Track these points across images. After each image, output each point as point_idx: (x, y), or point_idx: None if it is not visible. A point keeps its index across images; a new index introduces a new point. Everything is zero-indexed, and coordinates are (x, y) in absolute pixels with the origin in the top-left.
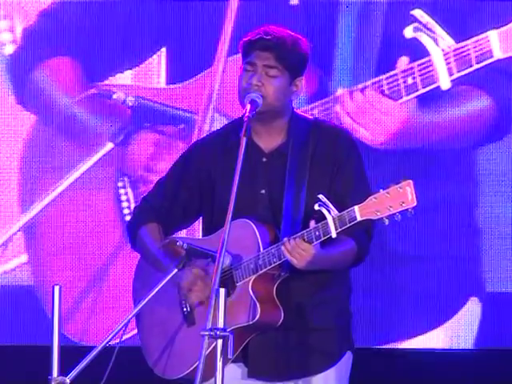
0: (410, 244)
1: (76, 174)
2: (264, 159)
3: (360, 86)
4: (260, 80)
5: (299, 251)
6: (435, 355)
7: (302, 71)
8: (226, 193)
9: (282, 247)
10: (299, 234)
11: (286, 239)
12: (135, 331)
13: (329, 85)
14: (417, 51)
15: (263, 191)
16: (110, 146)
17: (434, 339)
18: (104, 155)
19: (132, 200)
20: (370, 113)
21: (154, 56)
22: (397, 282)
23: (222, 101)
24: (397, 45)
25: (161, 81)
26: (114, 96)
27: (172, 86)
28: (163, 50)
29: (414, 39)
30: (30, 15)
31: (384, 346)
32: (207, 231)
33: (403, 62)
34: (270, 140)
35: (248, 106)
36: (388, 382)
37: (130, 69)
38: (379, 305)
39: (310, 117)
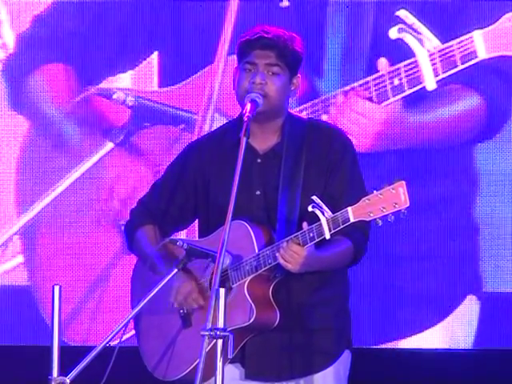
0: (406, 243)
1: (76, 175)
2: (258, 160)
3: (347, 87)
4: (264, 78)
5: (291, 254)
6: (433, 355)
7: (298, 69)
8: (222, 194)
9: (277, 254)
10: (292, 236)
11: (281, 243)
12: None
13: (318, 86)
14: (405, 52)
15: (258, 192)
16: (110, 145)
17: (432, 339)
18: (104, 155)
19: None
20: (350, 116)
21: (153, 56)
22: (394, 281)
23: (222, 101)
24: (386, 45)
25: (160, 83)
26: (114, 96)
27: (172, 87)
28: (162, 52)
29: (403, 40)
30: (22, 20)
31: (381, 346)
32: (204, 232)
33: (382, 63)
34: (264, 141)
35: (248, 106)
36: (386, 382)
37: (126, 72)
38: (376, 304)
39: (305, 117)
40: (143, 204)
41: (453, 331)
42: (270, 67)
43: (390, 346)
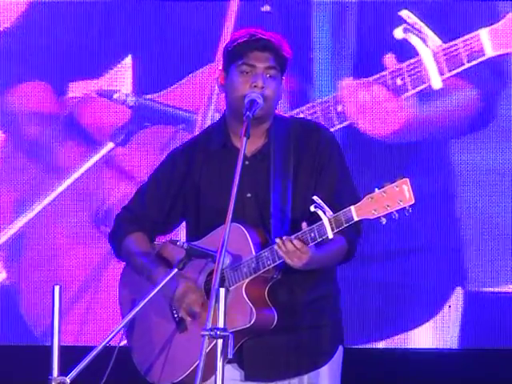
0: (398, 242)
1: (75, 175)
2: (246, 162)
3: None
4: (265, 82)
5: (297, 254)
6: (424, 354)
7: (285, 71)
8: (213, 196)
9: (276, 247)
10: (294, 235)
11: (278, 240)
12: None
13: (308, 90)
14: (396, 51)
15: (249, 194)
16: (110, 145)
17: (422, 337)
18: (104, 155)
19: None
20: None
21: (127, 60)
22: (384, 279)
23: (222, 101)
24: (373, 46)
25: (134, 85)
26: (115, 96)
27: (172, 87)
28: (154, 53)
29: (391, 39)
30: None
31: (369, 346)
32: (193, 235)
33: (389, 60)
34: (251, 143)
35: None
36: (379, 381)
37: (109, 72)
38: (366, 303)
39: (287, 115)
40: (129, 210)
41: (438, 330)
42: (268, 70)
43: (380, 345)
